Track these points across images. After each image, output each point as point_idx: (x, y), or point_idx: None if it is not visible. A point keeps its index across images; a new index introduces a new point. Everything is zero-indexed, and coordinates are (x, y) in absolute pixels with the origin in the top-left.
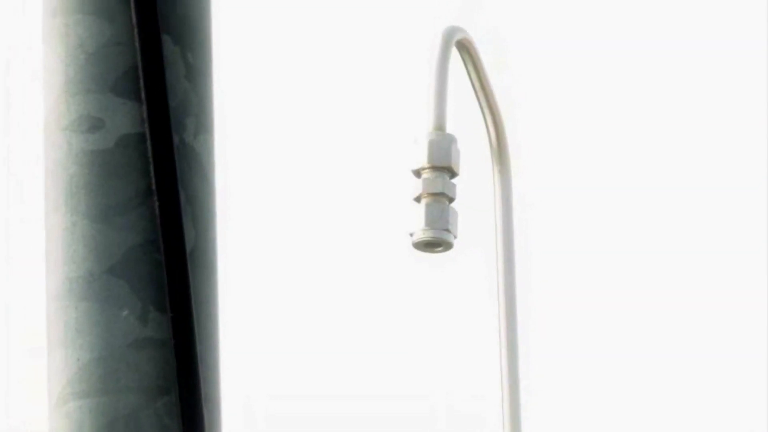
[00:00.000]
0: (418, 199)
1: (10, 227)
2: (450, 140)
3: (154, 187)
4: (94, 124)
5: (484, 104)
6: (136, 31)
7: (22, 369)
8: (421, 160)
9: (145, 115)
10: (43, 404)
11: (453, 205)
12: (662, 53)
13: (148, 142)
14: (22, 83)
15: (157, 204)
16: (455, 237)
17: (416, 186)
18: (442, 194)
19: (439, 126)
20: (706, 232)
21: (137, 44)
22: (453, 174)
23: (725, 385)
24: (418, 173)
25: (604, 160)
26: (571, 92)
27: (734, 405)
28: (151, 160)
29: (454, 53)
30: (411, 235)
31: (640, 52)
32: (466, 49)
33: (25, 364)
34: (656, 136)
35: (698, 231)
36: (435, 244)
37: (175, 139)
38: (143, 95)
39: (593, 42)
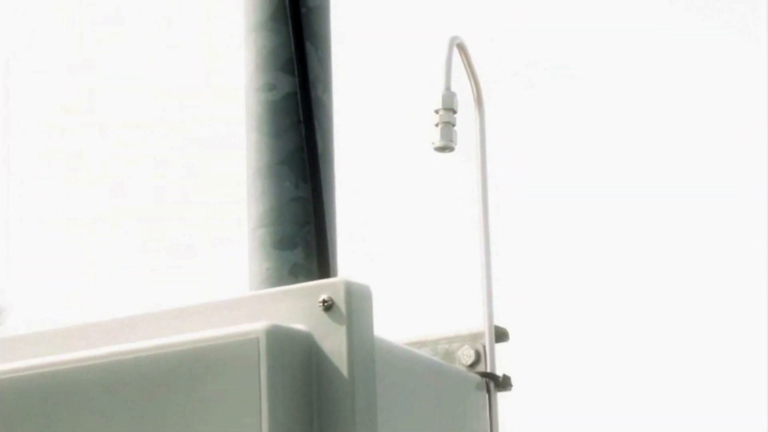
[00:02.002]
0: (436, 125)
1: (10, 227)
2: (453, 95)
3: (302, 119)
4: (271, 87)
5: (470, 77)
6: (291, 39)
7: None
8: (438, 105)
9: (297, 81)
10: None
11: (455, 128)
12: (661, 59)
13: (299, 96)
14: (23, 83)
15: (303, 128)
16: (456, 145)
17: (435, 118)
18: (449, 122)
19: (448, 88)
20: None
21: (292, 46)
22: (454, 112)
23: (724, 384)
24: (436, 111)
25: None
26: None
27: (733, 405)
28: (300, 105)
29: (455, 50)
30: (432, 143)
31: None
32: (461, 47)
33: None
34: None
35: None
36: (445, 148)
37: (312, 94)
38: (296, 72)
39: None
